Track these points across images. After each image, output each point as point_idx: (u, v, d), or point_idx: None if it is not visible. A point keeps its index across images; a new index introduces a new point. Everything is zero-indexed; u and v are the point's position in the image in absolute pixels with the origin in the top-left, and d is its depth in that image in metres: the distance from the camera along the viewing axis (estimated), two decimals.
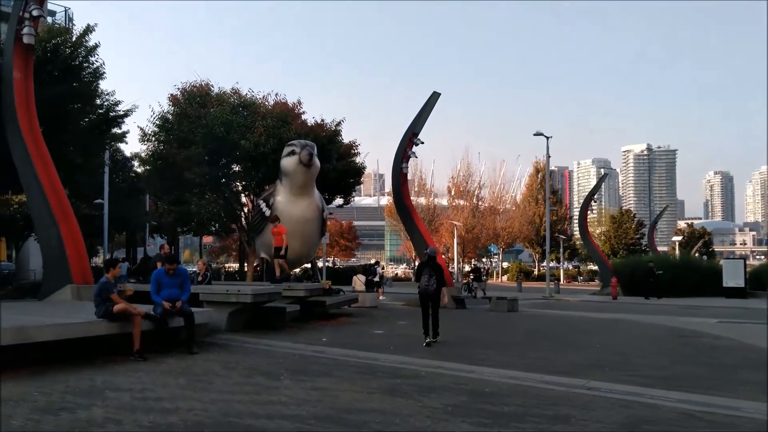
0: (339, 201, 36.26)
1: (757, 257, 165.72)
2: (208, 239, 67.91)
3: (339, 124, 32.77)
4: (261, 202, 21.13)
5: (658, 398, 8.04)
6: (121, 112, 24.73)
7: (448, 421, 6.68)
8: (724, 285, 34.33)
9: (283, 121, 29.24)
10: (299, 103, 32.45)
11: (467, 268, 72.13)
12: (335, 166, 30.66)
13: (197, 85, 30.59)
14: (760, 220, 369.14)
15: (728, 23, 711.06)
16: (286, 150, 19.75)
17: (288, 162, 19.51)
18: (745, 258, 44.95)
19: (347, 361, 10.80)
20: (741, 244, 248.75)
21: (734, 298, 32.37)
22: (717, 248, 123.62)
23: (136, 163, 37.95)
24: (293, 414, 6.85)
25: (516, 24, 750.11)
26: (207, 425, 6.34)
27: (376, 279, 29.78)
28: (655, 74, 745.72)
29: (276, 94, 32.19)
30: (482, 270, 38.39)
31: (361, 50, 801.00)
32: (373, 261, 42.26)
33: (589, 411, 7.26)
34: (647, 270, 34.00)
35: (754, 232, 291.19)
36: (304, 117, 32.35)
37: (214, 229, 37.60)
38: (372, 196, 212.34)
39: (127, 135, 29.64)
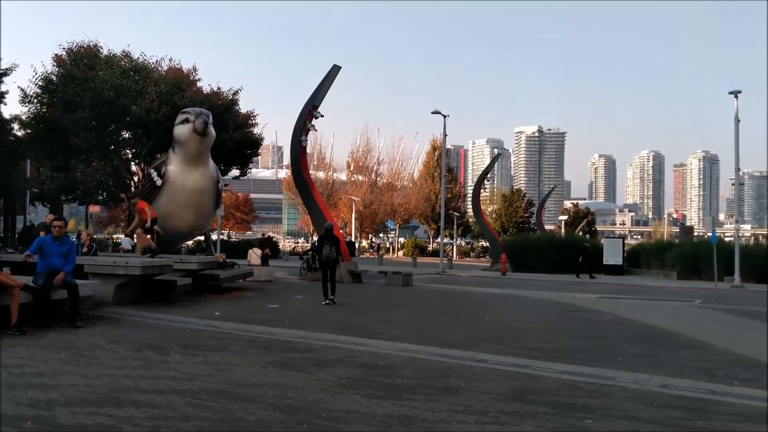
0: (235, 172, 35.56)
1: (635, 237, 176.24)
2: (94, 209, 64.87)
3: (236, 93, 32.06)
4: (152, 170, 20.32)
5: (543, 369, 8.41)
6: None
7: (341, 393, 6.72)
8: (605, 262, 36.33)
9: (177, 87, 28.24)
10: (194, 69, 31.44)
11: (364, 243, 72.93)
12: (232, 136, 30.00)
13: (84, 45, 28.95)
14: (638, 201, 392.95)
15: (614, 17, 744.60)
16: (180, 117, 19.05)
17: (181, 130, 18.83)
18: (623, 237, 47.66)
19: (241, 335, 10.65)
20: (621, 224, 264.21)
21: (614, 275, 34.34)
22: (599, 228, 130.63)
23: (16, 126, 35.58)
24: (184, 389, 6.68)
25: (414, 2, 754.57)
26: (91, 401, 6.07)
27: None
28: (549, 57, 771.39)
29: (170, 60, 31.03)
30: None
31: (262, 20, 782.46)
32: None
33: (478, 382, 7.50)
34: (581, 249, 34.79)
35: (632, 213, 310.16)
36: (199, 84, 31.44)
37: (101, 198, 35.98)
38: (270, 169, 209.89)
39: (6, 95, 27.73)
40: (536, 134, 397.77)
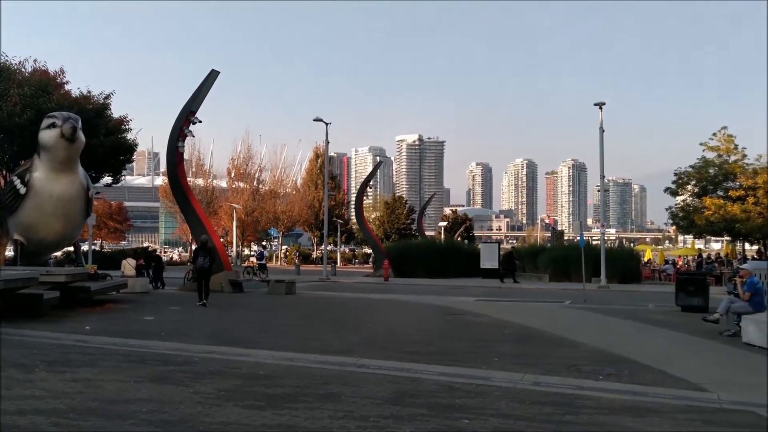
0: (107, 179, 33.95)
1: (510, 241, 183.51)
2: None
3: (108, 97, 30.62)
4: (15, 178, 19.00)
5: (422, 372, 8.59)
6: None
7: (220, 406, 6.56)
8: (482, 266, 37.59)
9: (42, 90, 26.61)
10: (62, 72, 29.72)
11: (246, 251, 71.63)
12: (103, 141, 28.60)
13: None
14: (513, 207, 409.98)
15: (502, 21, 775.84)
16: (46, 122, 17.94)
17: (48, 135, 17.73)
18: (499, 242, 49.54)
19: (114, 349, 10.18)
20: (497, 229, 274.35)
21: (490, 278, 35.58)
22: (476, 233, 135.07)
23: None
24: (49, 408, 6.30)
25: (301, 8, 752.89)
26: None
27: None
28: (428, 66, 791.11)
29: (35, 61, 29.16)
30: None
31: (139, 21, 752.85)
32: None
33: (359, 388, 7.55)
34: (507, 254, 35.19)
35: (508, 219, 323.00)
36: (68, 87, 29.73)
37: None
38: (146, 176, 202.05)
39: None
40: (417, 143, 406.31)
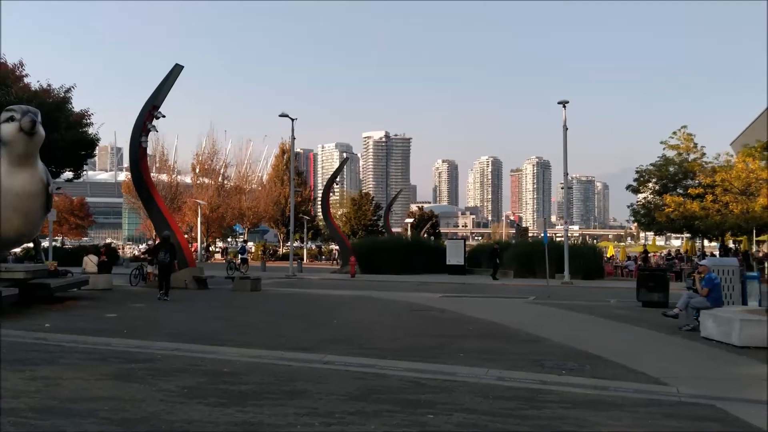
0: (68, 174, 33.28)
1: (476, 238, 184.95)
2: None
3: (69, 90, 30.02)
4: None
5: (388, 368, 8.60)
6: None
7: (183, 403, 6.50)
8: (448, 263, 37.79)
9: (1, 83, 25.99)
10: (21, 64, 29.08)
11: (221, 245, 71.07)
12: (64, 136, 28.03)
13: None
14: (479, 204, 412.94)
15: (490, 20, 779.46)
16: (5, 115, 17.49)
17: (6, 129, 17.29)
18: (465, 239, 49.74)
19: (74, 347, 10.00)
20: (463, 226, 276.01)
21: (456, 274, 35.79)
22: (443, 230, 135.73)
23: None
24: (8, 408, 6.17)
25: (266, 1, 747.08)
26: None
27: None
28: (392, 65, 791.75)
29: None
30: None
31: (102, 16, 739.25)
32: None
33: (325, 384, 7.54)
34: (491, 251, 34.86)
35: (473, 216, 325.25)
36: (27, 80, 29.09)
37: None
38: (109, 171, 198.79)
39: None
40: (383, 139, 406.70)
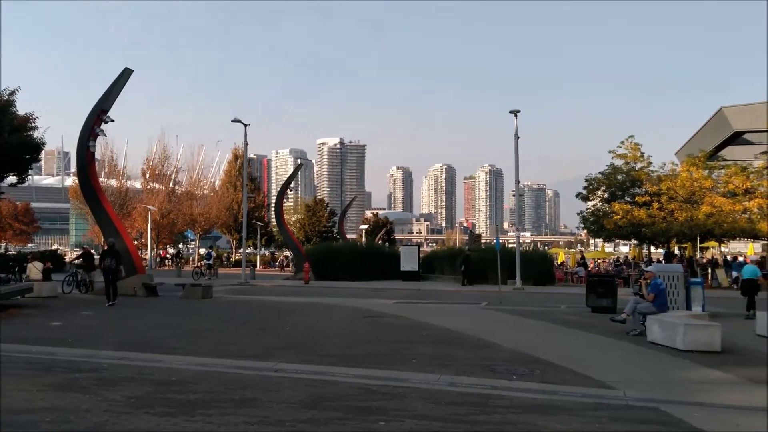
0: (12, 179, 32.37)
1: (430, 244, 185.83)
2: None
3: (13, 93, 29.23)
4: None
5: (340, 375, 8.56)
6: None
7: (129, 413, 6.34)
8: (402, 269, 37.85)
9: None
10: None
11: (171, 250, 69.86)
12: (8, 140, 27.29)
13: None
14: (433, 211, 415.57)
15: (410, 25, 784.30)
16: None
17: None
18: (419, 245, 49.97)
19: (16, 356, 9.68)
20: (417, 232, 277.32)
21: (410, 280, 35.86)
22: (397, 236, 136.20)
23: None
24: None
25: (221, 5, 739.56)
26: None
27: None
28: (348, 71, 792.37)
29: None
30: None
31: (49, 17, 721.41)
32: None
33: (276, 392, 7.46)
34: (464, 258, 33.95)
35: (428, 222, 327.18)
36: None
37: None
38: (56, 176, 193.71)
39: None
40: (338, 146, 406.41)
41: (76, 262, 24.87)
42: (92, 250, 29.38)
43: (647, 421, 6.68)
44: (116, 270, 19.29)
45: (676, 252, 44.37)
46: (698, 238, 36.90)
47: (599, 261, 51.05)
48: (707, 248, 46.70)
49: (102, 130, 23.30)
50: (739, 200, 33.07)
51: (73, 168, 78.85)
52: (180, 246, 77.45)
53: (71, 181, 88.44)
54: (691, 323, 11.62)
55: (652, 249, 48.59)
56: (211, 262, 39.56)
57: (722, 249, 45.74)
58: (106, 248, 20.63)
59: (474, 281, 32.33)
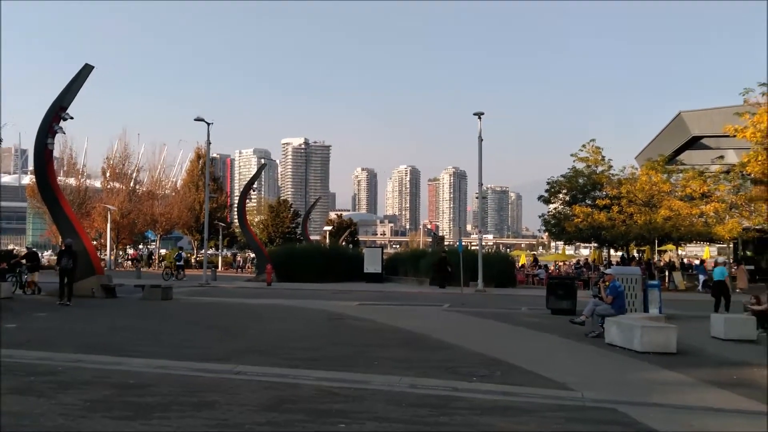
0: None
1: (394, 246, 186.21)
2: None
3: None
4: None
5: (302, 378, 8.53)
6: None
7: (86, 417, 6.24)
8: (366, 271, 37.87)
9: None
10: None
11: (131, 251, 68.75)
12: None
13: None
14: (397, 213, 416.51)
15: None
16: None
17: None
18: (383, 247, 49.93)
19: None
20: (381, 234, 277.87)
21: (373, 282, 35.89)
22: (361, 238, 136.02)
23: None
24: None
25: (174, 3, 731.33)
26: None
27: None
28: (312, 71, 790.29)
29: None
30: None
31: (4, 10, 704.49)
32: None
33: (235, 395, 7.40)
34: (440, 260, 33.41)
35: (392, 224, 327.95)
36: None
37: None
38: (12, 174, 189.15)
39: None
40: (303, 146, 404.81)
41: (22, 261, 24.30)
42: (35, 249, 28.97)
43: (605, 421, 6.80)
44: (72, 270, 19.31)
45: (635, 255, 45.23)
46: (656, 241, 37.59)
47: (560, 263, 51.76)
48: (665, 251, 47.63)
49: (60, 128, 22.84)
50: (696, 204, 33.76)
51: (31, 166, 77.14)
52: (140, 246, 76.34)
53: (28, 179, 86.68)
54: (648, 325, 11.85)
55: (612, 252, 49.39)
56: (182, 263, 39.45)
57: (679, 252, 46.64)
58: (63, 248, 20.44)
59: (437, 283, 32.39)
